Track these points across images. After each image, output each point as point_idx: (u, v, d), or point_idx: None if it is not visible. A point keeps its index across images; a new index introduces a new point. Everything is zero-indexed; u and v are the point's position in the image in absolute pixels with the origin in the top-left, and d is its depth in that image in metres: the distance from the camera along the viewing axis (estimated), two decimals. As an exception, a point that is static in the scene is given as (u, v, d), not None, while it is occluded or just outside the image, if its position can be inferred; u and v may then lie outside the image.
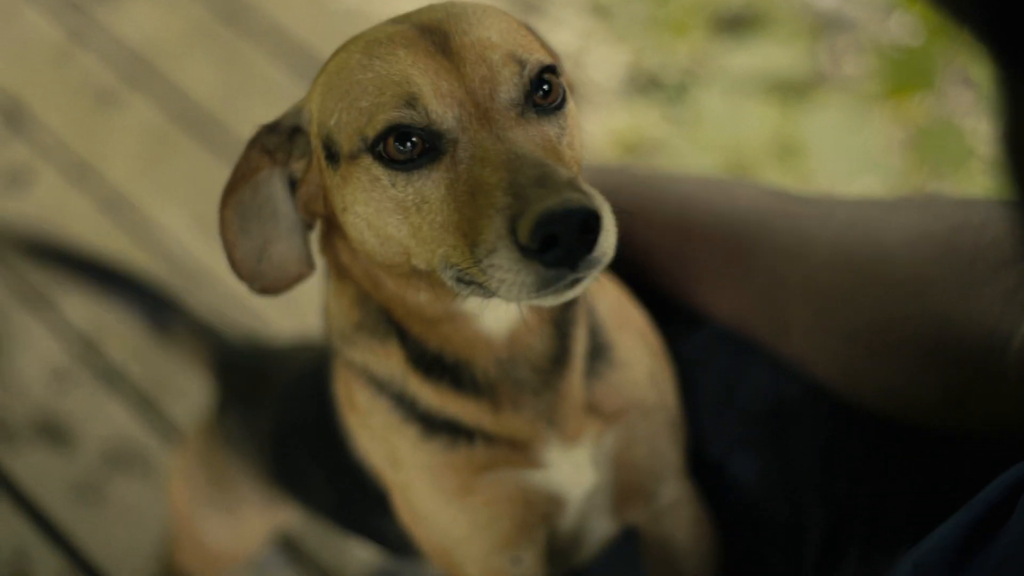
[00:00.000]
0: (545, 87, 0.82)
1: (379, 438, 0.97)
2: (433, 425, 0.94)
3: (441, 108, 0.78)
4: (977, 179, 2.21)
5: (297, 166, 0.87)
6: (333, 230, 0.91)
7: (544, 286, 0.74)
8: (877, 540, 1.05)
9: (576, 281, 0.75)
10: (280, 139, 0.87)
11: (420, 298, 0.89)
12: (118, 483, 1.79)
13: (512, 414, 0.93)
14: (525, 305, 0.84)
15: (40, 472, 1.80)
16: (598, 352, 0.98)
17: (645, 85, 2.51)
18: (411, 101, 0.78)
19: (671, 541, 1.09)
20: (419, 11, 0.85)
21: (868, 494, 1.09)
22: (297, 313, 1.95)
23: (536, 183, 0.72)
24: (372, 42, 0.83)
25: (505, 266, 0.73)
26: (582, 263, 0.74)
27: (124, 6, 2.40)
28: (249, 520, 1.40)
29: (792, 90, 2.39)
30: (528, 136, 0.79)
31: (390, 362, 0.93)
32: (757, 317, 1.11)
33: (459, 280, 0.79)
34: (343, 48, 0.86)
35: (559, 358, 0.94)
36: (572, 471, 0.97)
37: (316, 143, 0.86)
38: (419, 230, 0.80)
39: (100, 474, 1.80)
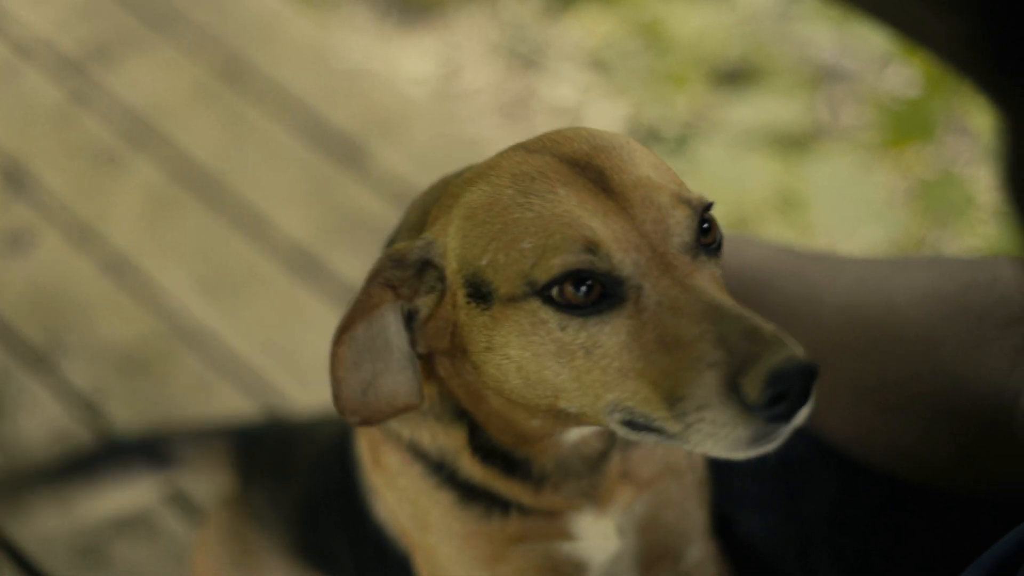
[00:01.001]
0: (706, 225, 0.80)
1: (407, 500, 0.96)
2: (470, 494, 0.93)
3: (621, 253, 0.76)
4: (978, 228, 2.22)
5: (423, 300, 0.84)
6: (442, 356, 0.89)
7: (757, 439, 0.74)
8: None
9: (784, 433, 0.75)
10: (407, 274, 0.83)
11: (532, 424, 0.88)
12: (122, 546, 1.78)
13: (552, 494, 0.93)
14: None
15: (43, 535, 1.79)
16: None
17: (645, 138, 2.52)
18: (590, 246, 0.76)
19: None
20: (554, 140, 0.83)
21: (878, 552, 1.08)
22: (310, 384, 1.94)
23: (747, 337, 0.72)
24: (521, 176, 0.80)
25: (720, 421, 0.73)
26: (797, 416, 0.74)
27: (125, 67, 2.42)
28: None
29: (792, 142, 2.40)
30: (709, 281, 0.78)
31: (445, 441, 0.93)
32: None
33: (630, 424, 0.79)
34: (480, 179, 0.82)
35: (607, 452, 0.95)
36: (600, 539, 0.97)
37: (455, 279, 0.82)
38: (585, 374, 0.78)
39: (103, 537, 1.78)
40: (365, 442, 0.99)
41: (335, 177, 2.23)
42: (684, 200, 0.79)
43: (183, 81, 2.39)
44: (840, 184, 2.24)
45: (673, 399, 0.74)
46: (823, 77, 2.59)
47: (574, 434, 0.91)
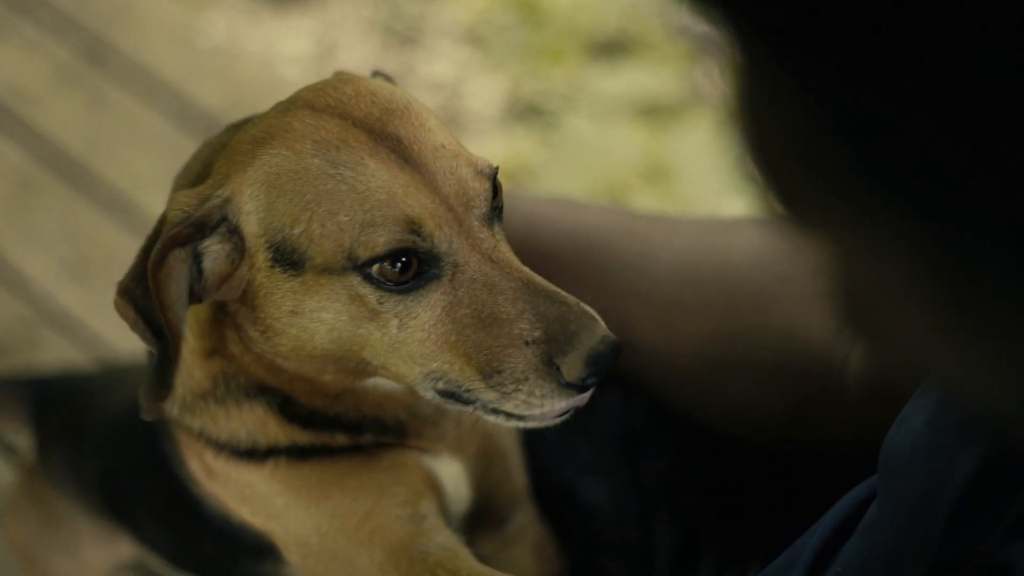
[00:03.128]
0: (495, 191, 0.83)
1: (243, 490, 0.94)
2: (304, 452, 0.92)
3: (438, 231, 0.78)
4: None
5: (214, 248, 0.82)
6: (227, 319, 0.88)
7: (566, 403, 0.80)
8: (728, 557, 1.06)
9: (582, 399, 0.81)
10: (192, 232, 0.82)
11: (325, 379, 0.88)
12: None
13: (415, 440, 0.94)
14: None
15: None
16: None
17: (523, 112, 2.52)
18: (414, 226, 0.78)
19: (517, 566, 1.08)
20: (338, 99, 0.83)
21: (718, 512, 1.10)
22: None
23: (562, 317, 0.77)
24: (324, 145, 0.80)
25: (537, 393, 0.78)
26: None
27: (-13, 52, 2.37)
28: (89, 555, 1.37)
29: (665, 113, 2.41)
30: (510, 252, 0.81)
31: (228, 424, 0.91)
32: None
33: (443, 393, 0.82)
34: (275, 141, 0.81)
35: None
36: (452, 476, 0.97)
37: (258, 244, 0.82)
38: (400, 345, 0.80)
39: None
40: (193, 460, 0.96)
41: (203, 158, 2.20)
42: (480, 171, 0.81)
43: (45, 65, 2.34)
44: (709, 154, 2.26)
45: (489, 372, 0.78)
46: (700, 48, 2.61)
47: (389, 384, 0.91)
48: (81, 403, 1.31)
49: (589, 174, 2.27)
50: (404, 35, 2.67)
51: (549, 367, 0.77)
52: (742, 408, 1.07)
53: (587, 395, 0.80)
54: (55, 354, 1.94)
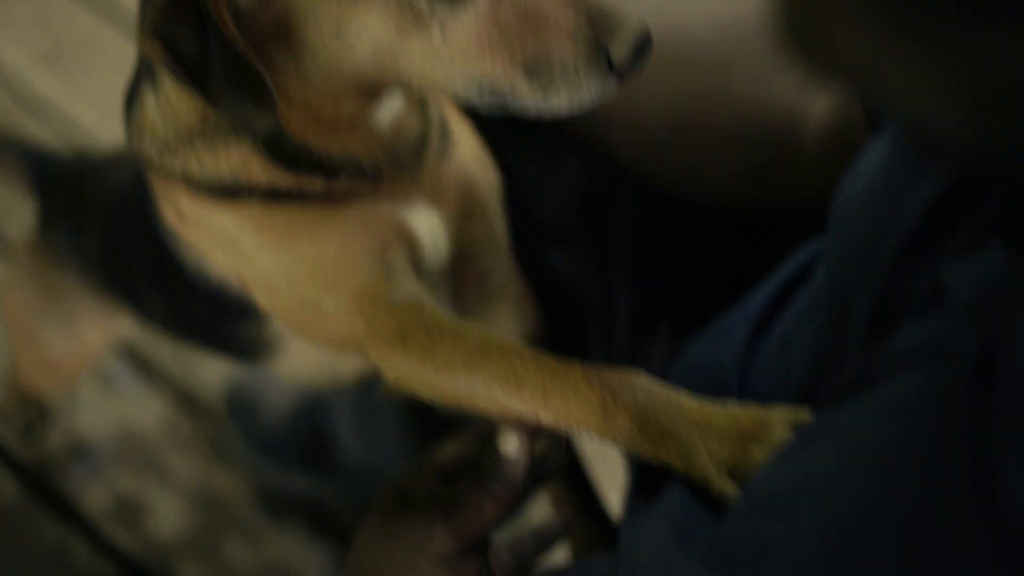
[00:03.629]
0: None
1: (216, 234, 0.95)
2: (278, 195, 0.92)
3: None
4: None
5: None
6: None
7: (600, 92, 0.82)
8: (687, 320, 1.10)
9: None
10: None
11: (341, 107, 0.89)
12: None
13: (388, 187, 0.95)
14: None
15: None
16: (443, 130, 1.01)
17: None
18: None
19: (497, 319, 1.12)
20: None
21: (677, 276, 1.13)
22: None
23: (602, 8, 0.80)
24: None
25: (583, 76, 0.81)
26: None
27: None
28: (87, 328, 1.40)
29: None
30: None
31: (216, 163, 0.91)
32: None
33: (488, 95, 0.83)
34: None
35: (425, 135, 0.97)
36: (429, 228, 0.99)
37: None
38: (444, 52, 0.81)
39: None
40: (167, 207, 0.97)
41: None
42: None
43: None
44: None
45: (534, 67, 0.81)
46: None
47: (387, 115, 0.92)
48: (86, 180, 1.31)
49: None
50: None
51: (597, 50, 0.80)
52: (702, 172, 1.09)
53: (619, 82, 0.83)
54: (30, 139, 1.95)
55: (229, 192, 0.91)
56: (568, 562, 1.02)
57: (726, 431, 0.74)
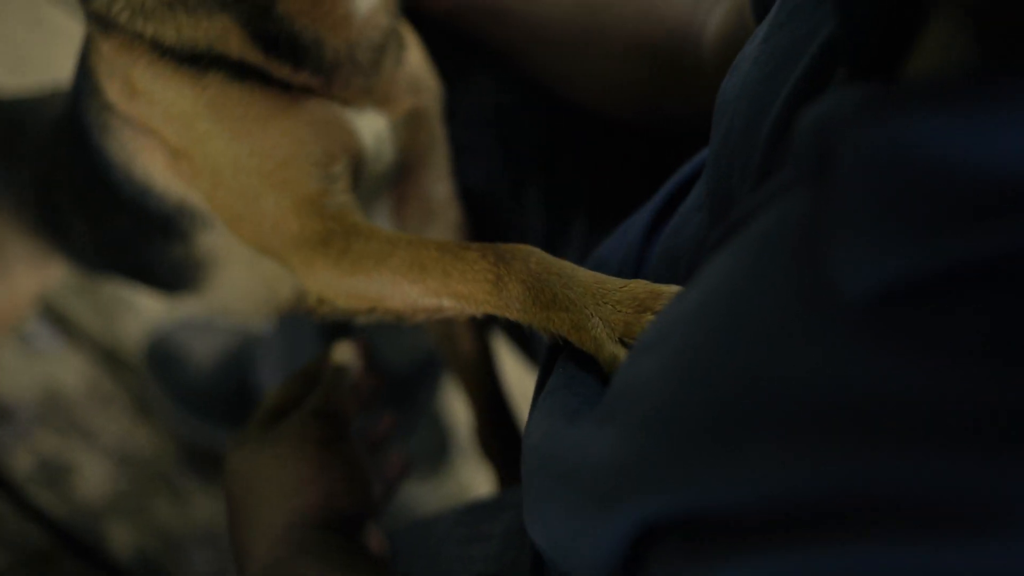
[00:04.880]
0: None
1: (169, 107, 0.94)
2: (243, 71, 0.92)
3: None
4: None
5: None
6: None
7: None
8: (599, 230, 1.12)
9: None
10: None
11: None
12: None
13: (340, 88, 0.95)
14: None
15: None
16: (397, 37, 1.01)
17: None
18: None
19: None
20: None
21: (588, 187, 1.15)
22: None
23: None
24: None
25: None
26: None
27: None
28: (17, 280, 1.38)
29: None
30: None
31: (197, 32, 0.91)
32: (474, 10, 1.15)
33: None
34: None
35: (388, 37, 0.97)
36: (376, 133, 0.99)
37: None
38: None
39: None
40: (115, 81, 0.96)
41: None
42: None
43: None
44: None
45: None
46: None
47: (364, 4, 0.93)
48: (12, 122, 1.30)
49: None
50: None
51: None
52: (605, 82, 1.10)
53: None
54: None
55: (197, 60, 0.91)
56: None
57: (620, 300, 0.76)
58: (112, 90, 0.97)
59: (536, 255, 0.81)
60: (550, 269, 0.80)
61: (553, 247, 1.13)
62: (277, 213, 0.92)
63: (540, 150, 1.16)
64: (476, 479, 1.79)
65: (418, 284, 0.84)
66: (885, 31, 0.57)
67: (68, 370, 1.76)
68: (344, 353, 1.01)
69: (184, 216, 1.02)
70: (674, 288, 0.76)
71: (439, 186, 1.10)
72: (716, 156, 0.76)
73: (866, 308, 0.46)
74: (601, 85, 1.11)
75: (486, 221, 1.17)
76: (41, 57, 1.96)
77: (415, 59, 1.04)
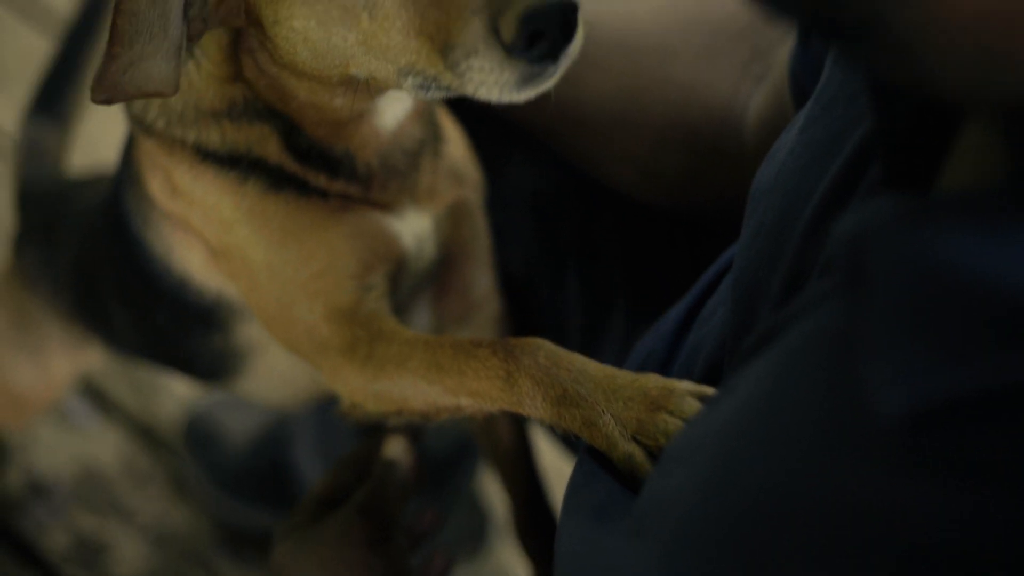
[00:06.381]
0: None
1: (209, 209, 0.95)
2: (282, 180, 0.93)
3: None
4: None
5: None
6: (241, 45, 0.88)
7: (527, 81, 0.76)
8: (639, 316, 1.10)
9: (555, 72, 0.77)
10: None
11: (335, 103, 0.88)
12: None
13: (379, 193, 0.95)
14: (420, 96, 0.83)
15: None
16: (435, 129, 1.00)
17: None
18: None
19: (478, 335, 1.12)
20: None
21: (628, 272, 1.14)
22: (85, 156, 1.91)
23: None
24: None
25: (487, 67, 0.74)
26: (563, 54, 0.75)
27: None
28: (54, 361, 1.38)
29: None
30: None
31: (238, 136, 0.92)
32: None
33: (421, 86, 0.80)
34: None
35: (424, 141, 0.97)
36: (417, 234, 0.99)
37: None
38: (372, 38, 0.79)
39: None
40: (156, 178, 0.97)
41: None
42: None
43: None
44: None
45: (446, 51, 0.76)
46: None
47: (389, 119, 0.93)
48: (59, 200, 1.31)
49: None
50: None
51: (494, 35, 0.73)
52: (644, 168, 1.09)
53: (554, 67, 0.76)
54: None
55: (238, 163, 0.92)
56: None
57: (632, 396, 0.75)
58: (153, 185, 0.97)
59: (545, 349, 0.80)
60: (560, 363, 0.79)
61: (592, 336, 1.13)
62: (309, 320, 0.92)
63: (579, 236, 1.15)
64: (515, 561, 1.77)
65: (436, 384, 0.84)
66: (920, 134, 0.57)
67: (105, 447, 1.76)
68: (395, 448, 1.00)
69: (223, 308, 1.02)
70: (686, 385, 0.74)
71: (480, 278, 1.09)
72: (746, 248, 0.75)
73: (899, 431, 0.45)
74: (640, 171, 1.10)
75: (524, 309, 1.16)
76: (78, 122, 1.97)
77: (455, 150, 1.04)
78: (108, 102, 0.84)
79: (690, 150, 1.05)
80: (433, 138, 1.00)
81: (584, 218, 1.15)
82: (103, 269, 1.15)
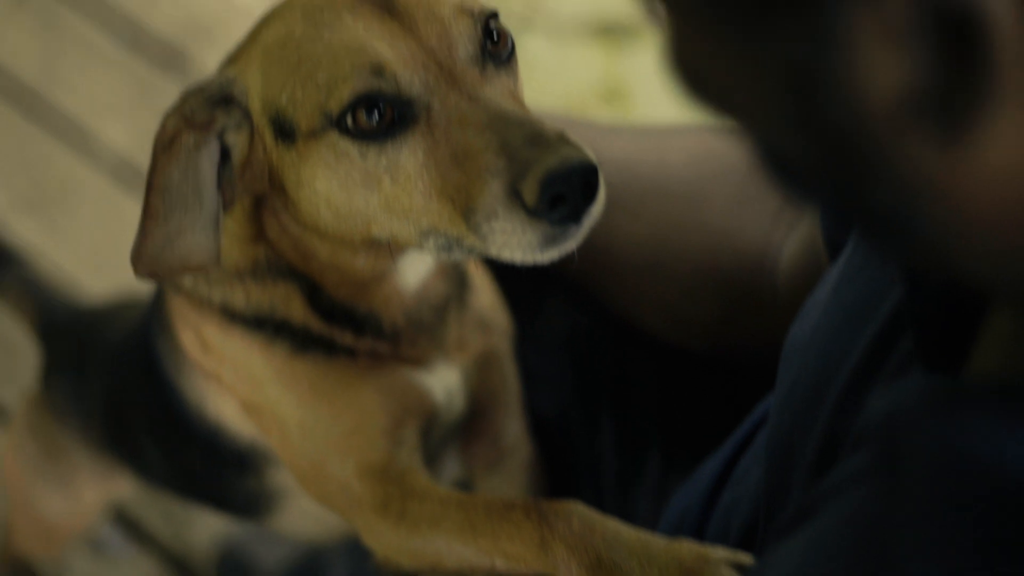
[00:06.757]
0: (494, 35, 0.81)
1: (240, 367, 0.95)
2: (307, 342, 0.93)
3: (408, 73, 0.77)
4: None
5: (233, 138, 0.83)
6: (264, 206, 0.89)
7: (548, 242, 0.76)
8: (673, 461, 1.09)
9: (577, 233, 0.77)
10: (200, 102, 0.82)
11: (357, 264, 0.89)
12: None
13: (407, 348, 0.95)
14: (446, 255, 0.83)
15: None
16: (462, 280, 1.01)
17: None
18: (376, 69, 0.77)
19: (510, 481, 1.11)
20: None
21: (662, 416, 1.13)
22: (124, 284, 1.91)
23: (528, 142, 0.73)
24: (311, 10, 0.80)
25: (508, 229, 0.75)
26: (585, 216, 0.76)
27: (-65, -22, 2.32)
28: (84, 490, 1.38)
29: (622, 32, 2.40)
30: (498, 91, 0.79)
31: (263, 297, 0.92)
32: None
33: (443, 247, 0.80)
34: (275, 18, 0.83)
35: (450, 298, 0.97)
36: (447, 386, 0.99)
37: (261, 120, 0.83)
38: (394, 201, 0.79)
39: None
40: (187, 333, 0.97)
41: (157, 84, 2.18)
42: (466, 10, 0.80)
43: (-6, -11, 2.31)
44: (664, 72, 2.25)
45: (467, 213, 0.76)
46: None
47: (412, 278, 0.93)
48: (86, 331, 1.31)
49: (546, 94, 2.27)
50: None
51: (515, 197, 0.74)
52: (677, 313, 1.08)
53: (576, 228, 0.76)
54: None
55: (264, 324, 0.92)
56: None
57: (666, 563, 0.75)
58: (184, 338, 0.98)
59: (579, 513, 0.80)
60: (594, 529, 0.79)
61: (626, 480, 1.11)
62: (341, 477, 0.92)
63: (613, 380, 1.14)
64: None
65: (471, 545, 0.84)
66: (951, 315, 0.57)
67: (138, 576, 1.75)
68: None
69: (256, 454, 1.02)
70: (722, 552, 0.74)
71: (511, 424, 1.09)
72: (780, 408, 0.74)
73: None
74: (671, 316, 1.09)
75: (558, 453, 1.15)
76: (116, 249, 1.98)
77: (483, 299, 1.03)
78: (153, 277, 0.85)
79: (722, 297, 1.04)
80: (459, 290, 1.00)
81: (619, 361, 1.14)
82: (134, 406, 1.15)
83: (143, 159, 2.07)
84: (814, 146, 0.45)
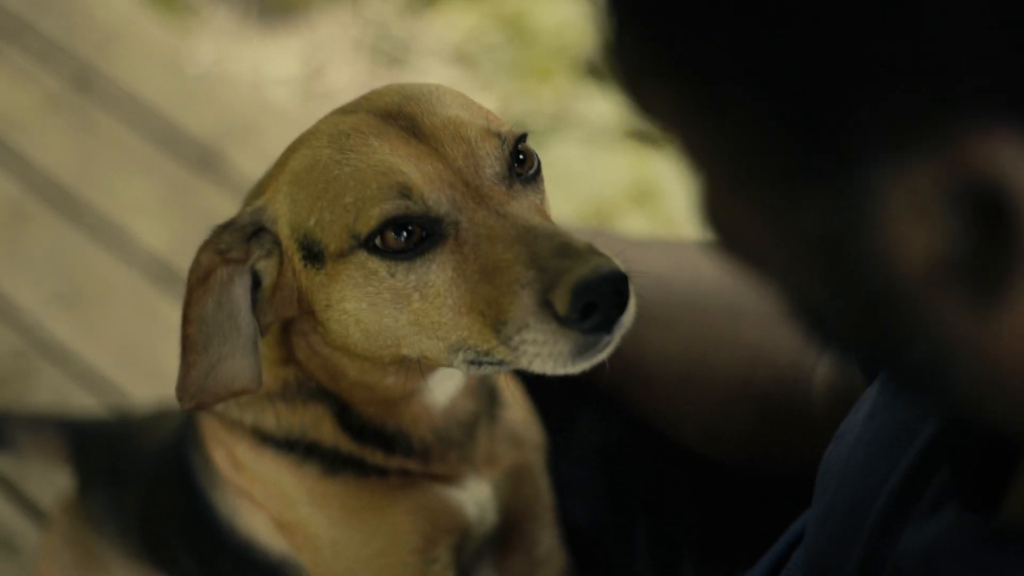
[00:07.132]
0: (521, 156, 0.83)
1: (272, 486, 0.96)
2: (337, 463, 0.94)
3: (435, 192, 0.79)
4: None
5: (263, 265, 0.85)
6: (292, 329, 0.90)
7: (581, 352, 0.77)
8: (704, 571, 1.08)
9: (609, 342, 0.78)
10: (236, 238, 0.84)
11: (386, 383, 0.90)
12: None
13: (438, 465, 0.96)
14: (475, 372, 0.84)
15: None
16: (492, 395, 1.01)
17: (512, 132, 2.51)
18: (404, 190, 0.78)
19: None
20: (368, 99, 0.86)
21: (696, 529, 1.12)
22: (158, 384, 1.92)
23: (558, 253, 0.75)
24: (337, 135, 0.82)
25: (540, 339, 0.76)
26: (616, 325, 0.77)
27: (-24, 81, 2.37)
28: None
29: (652, 134, 2.42)
30: (525, 207, 0.81)
31: (293, 419, 0.93)
32: None
33: (472, 362, 0.81)
34: (301, 145, 0.85)
35: (479, 415, 0.98)
36: (479, 501, 0.99)
37: (290, 245, 0.84)
38: (424, 317, 0.80)
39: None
40: (220, 451, 0.98)
41: (192, 184, 2.21)
42: (493, 133, 0.82)
43: (33, 92, 2.35)
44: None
45: (498, 325, 0.77)
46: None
47: (441, 396, 0.93)
48: (121, 443, 1.32)
49: (577, 197, 2.29)
50: (392, 55, 2.68)
51: (545, 308, 0.74)
52: (711, 427, 1.08)
53: (608, 337, 0.77)
54: (48, 385, 1.94)
55: (295, 446, 0.93)
56: None
57: None
58: (217, 457, 0.99)
59: None
60: None
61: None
62: None
63: (647, 491, 1.14)
64: None
65: None
66: (986, 456, 0.57)
67: None
68: None
69: (287, 569, 1.02)
70: None
71: (544, 536, 1.09)
72: (817, 531, 0.74)
73: None
74: (706, 429, 1.09)
75: (592, 564, 1.14)
76: (151, 349, 1.99)
77: (515, 413, 1.04)
78: (199, 407, 0.86)
79: (756, 412, 1.05)
80: (489, 405, 1.00)
81: (653, 473, 1.14)
82: (168, 517, 1.16)
83: (178, 259, 2.09)
84: (846, 306, 0.46)
